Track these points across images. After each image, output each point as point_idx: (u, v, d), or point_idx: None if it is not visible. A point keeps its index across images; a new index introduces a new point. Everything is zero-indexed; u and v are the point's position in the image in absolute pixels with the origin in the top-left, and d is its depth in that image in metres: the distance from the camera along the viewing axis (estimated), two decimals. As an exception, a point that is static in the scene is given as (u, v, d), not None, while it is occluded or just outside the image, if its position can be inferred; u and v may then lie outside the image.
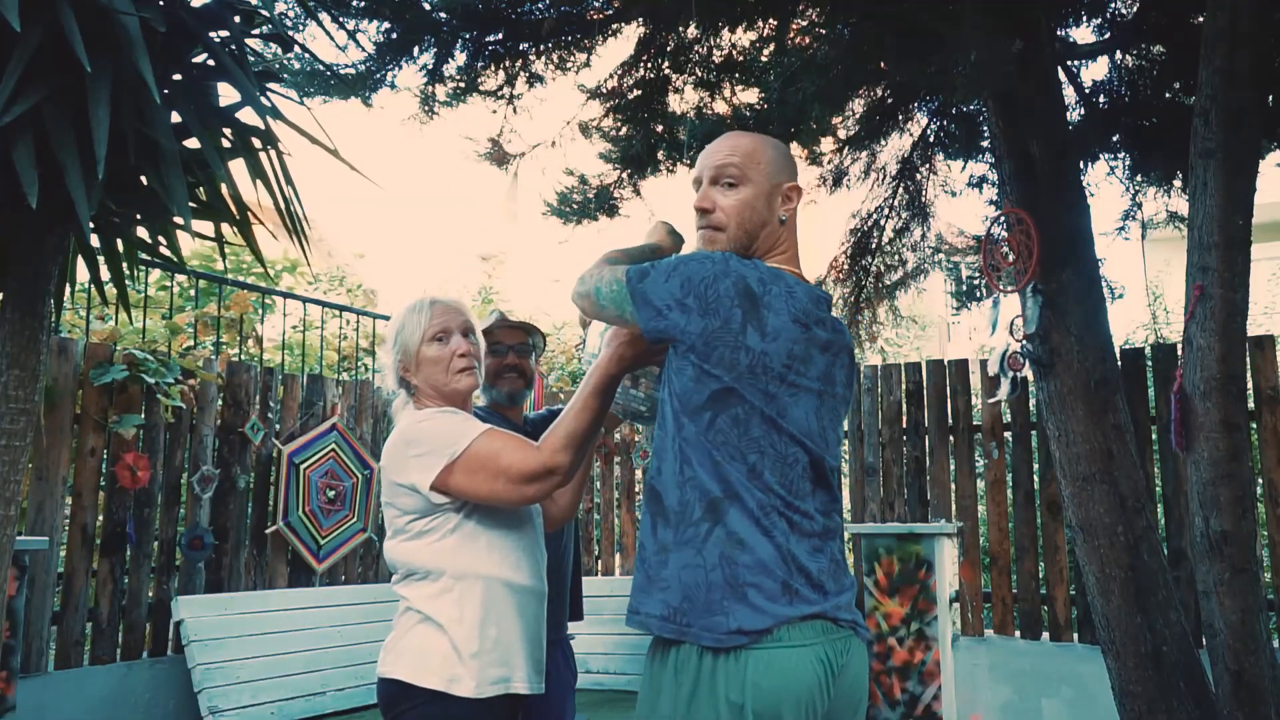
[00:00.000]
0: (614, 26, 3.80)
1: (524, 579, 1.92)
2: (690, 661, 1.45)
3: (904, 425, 5.01)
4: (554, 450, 1.79)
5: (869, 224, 4.65)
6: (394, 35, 3.58)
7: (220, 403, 4.61)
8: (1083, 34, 4.33)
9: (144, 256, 2.68)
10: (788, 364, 1.52)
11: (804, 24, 3.90)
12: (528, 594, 1.92)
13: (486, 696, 1.81)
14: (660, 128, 4.06)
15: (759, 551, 1.46)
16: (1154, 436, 4.44)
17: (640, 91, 4.03)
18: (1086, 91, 4.01)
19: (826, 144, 4.46)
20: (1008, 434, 4.76)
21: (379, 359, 2.07)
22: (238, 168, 2.33)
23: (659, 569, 1.51)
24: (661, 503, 1.54)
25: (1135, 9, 3.81)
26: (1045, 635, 4.53)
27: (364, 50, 3.58)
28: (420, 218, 15.15)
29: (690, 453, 1.51)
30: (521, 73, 3.90)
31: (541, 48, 3.80)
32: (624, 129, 4.12)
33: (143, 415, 4.17)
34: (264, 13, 2.44)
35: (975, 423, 4.87)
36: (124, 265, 2.46)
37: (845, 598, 1.55)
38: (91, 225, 1.97)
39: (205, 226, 2.49)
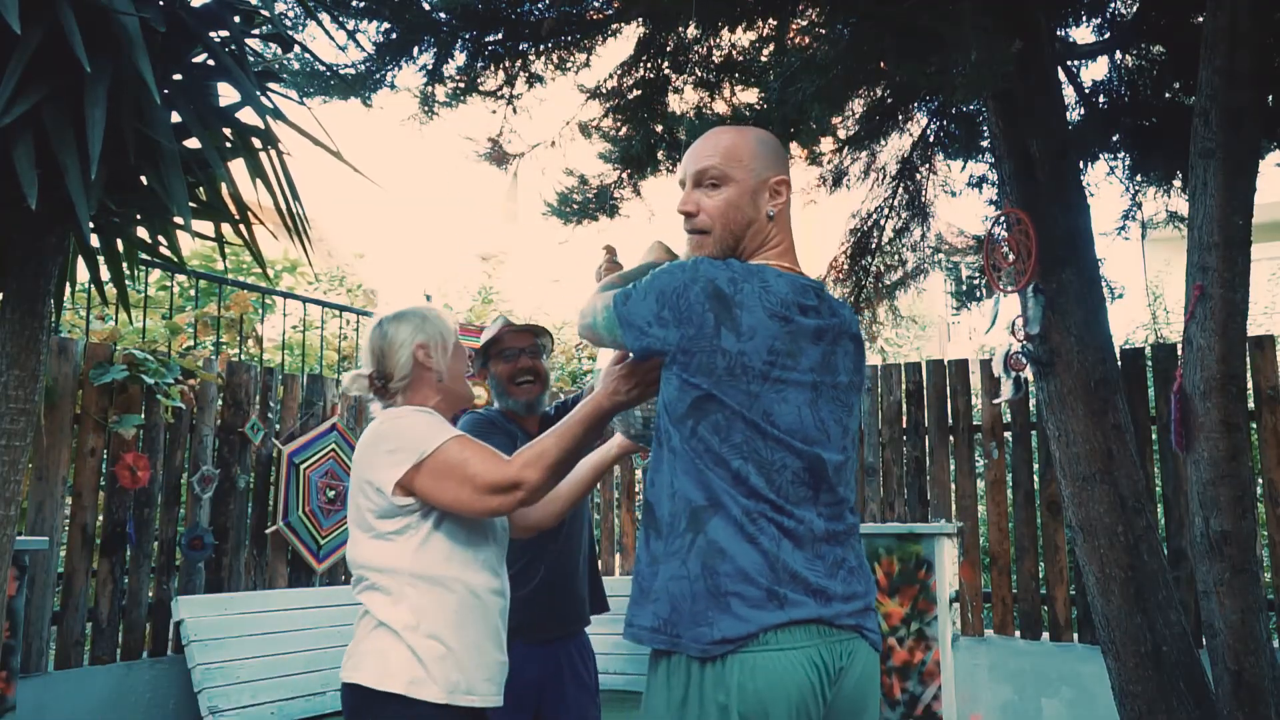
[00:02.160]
0: (614, 26, 3.80)
1: (484, 585, 1.89)
2: (680, 669, 1.47)
3: (904, 425, 5.01)
4: (524, 465, 1.76)
5: (869, 224, 4.65)
6: (394, 35, 3.58)
7: (220, 403, 4.61)
8: (1083, 34, 4.33)
9: (144, 256, 2.68)
10: (770, 360, 1.49)
11: (804, 24, 3.90)
12: (488, 601, 1.89)
13: (451, 704, 1.79)
14: (660, 128, 4.06)
15: (740, 560, 1.45)
16: (1154, 436, 4.44)
17: (640, 91, 4.03)
18: (1086, 91, 4.01)
19: (826, 144, 4.46)
20: (1008, 434, 4.76)
21: (362, 341, 2.03)
22: (238, 168, 2.33)
23: (650, 581, 1.52)
24: (654, 514, 1.55)
25: (1135, 9, 3.81)
26: (1045, 635, 4.53)
27: (364, 50, 3.59)
28: (420, 218, 15.15)
29: (677, 463, 1.52)
30: (521, 73, 3.90)
31: (541, 48, 3.80)
32: (624, 129, 4.12)
33: (143, 415, 4.17)
34: (264, 13, 2.44)
35: (975, 423, 4.87)
36: (124, 265, 2.46)
37: (855, 603, 1.52)
38: (91, 225, 1.97)
39: (205, 226, 2.49)
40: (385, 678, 1.79)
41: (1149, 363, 4.46)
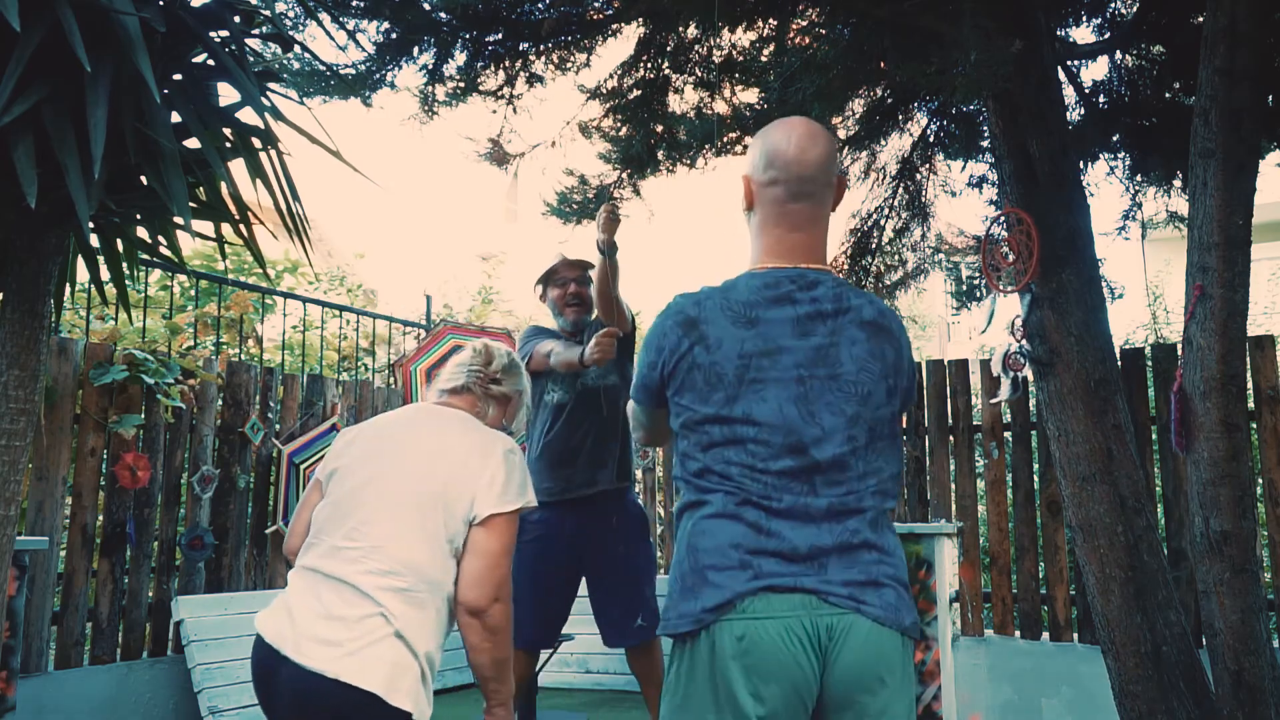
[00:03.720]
0: (614, 26, 3.80)
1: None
2: (677, 649, 1.53)
3: (904, 425, 5.01)
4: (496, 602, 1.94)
5: (869, 224, 4.65)
6: (394, 35, 3.58)
7: (220, 403, 4.61)
8: (1083, 34, 4.34)
9: (144, 256, 2.69)
10: (743, 365, 1.53)
11: (804, 24, 3.90)
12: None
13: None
14: (660, 128, 4.06)
15: (720, 536, 1.50)
16: (1154, 436, 4.44)
17: (640, 91, 4.03)
18: (1086, 91, 4.01)
19: (826, 144, 4.45)
20: (1008, 434, 4.76)
21: (501, 346, 2.35)
22: (238, 168, 2.33)
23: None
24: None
25: (1135, 9, 3.81)
26: (1045, 635, 4.53)
27: (364, 50, 3.59)
28: (420, 218, 15.15)
29: (679, 483, 1.61)
30: (521, 73, 3.90)
31: (541, 48, 3.80)
32: (624, 129, 4.12)
33: (143, 415, 4.17)
34: (264, 13, 2.45)
35: (975, 423, 4.87)
36: (124, 265, 2.46)
37: (854, 572, 1.48)
38: (91, 225, 1.97)
39: (205, 226, 2.49)
40: (394, 692, 1.81)
41: (1149, 363, 4.46)
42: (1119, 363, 3.48)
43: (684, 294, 1.64)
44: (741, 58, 3.99)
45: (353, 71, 3.60)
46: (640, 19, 3.79)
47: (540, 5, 3.66)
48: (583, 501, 3.34)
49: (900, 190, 4.59)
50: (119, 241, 2.40)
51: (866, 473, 1.55)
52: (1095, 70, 13.75)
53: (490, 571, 1.90)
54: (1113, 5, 3.90)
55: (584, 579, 3.42)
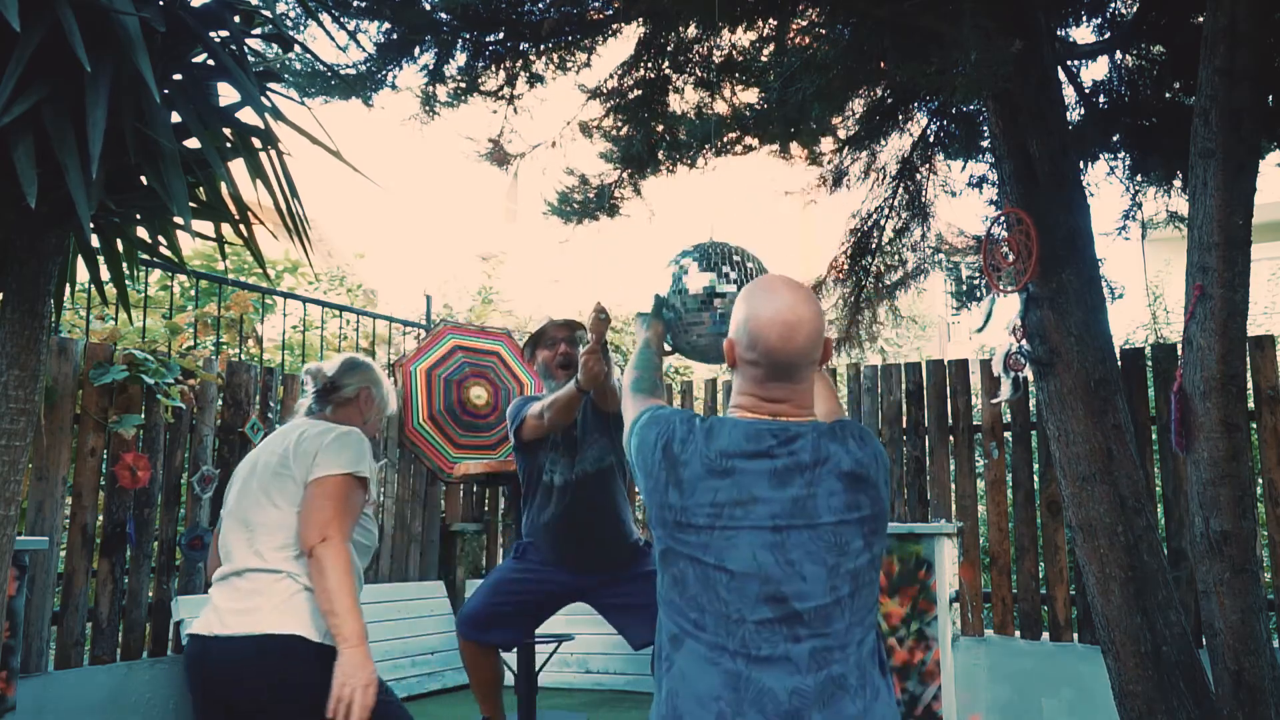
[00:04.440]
0: (614, 26, 3.80)
1: None
2: None
3: (904, 425, 5.01)
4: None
5: (869, 224, 4.65)
6: (394, 35, 3.58)
7: (220, 403, 4.61)
8: (1083, 34, 4.33)
9: (144, 256, 2.68)
10: (713, 514, 1.51)
11: (804, 24, 3.90)
12: None
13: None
14: (660, 128, 4.06)
15: (699, 685, 1.47)
16: (1154, 436, 4.44)
17: (640, 91, 4.03)
18: (1086, 91, 4.01)
19: (826, 144, 4.46)
20: (1008, 434, 4.76)
21: (336, 357, 2.59)
22: (238, 168, 2.33)
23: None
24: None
25: (1135, 9, 3.81)
26: (1045, 635, 4.53)
27: (364, 50, 3.59)
28: (420, 218, 15.15)
29: (661, 604, 1.62)
30: (521, 73, 3.90)
31: (541, 48, 3.80)
32: (624, 129, 4.12)
33: (143, 415, 4.17)
34: (264, 13, 2.44)
35: (975, 423, 4.87)
36: (124, 265, 2.46)
37: (843, 710, 1.46)
38: (91, 225, 1.97)
39: (205, 226, 2.49)
40: (314, 631, 2.10)
41: (1149, 363, 4.46)
42: (1119, 363, 3.48)
43: (684, 417, 1.63)
44: (741, 58, 3.99)
45: (353, 71, 3.60)
46: (640, 19, 3.79)
47: (540, 5, 3.66)
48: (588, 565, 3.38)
49: (900, 190, 4.59)
50: (119, 241, 2.40)
51: (849, 619, 1.52)
52: (1095, 70, 13.75)
53: (313, 515, 2.14)
54: (1113, 5, 3.90)
55: (591, 606, 3.45)
